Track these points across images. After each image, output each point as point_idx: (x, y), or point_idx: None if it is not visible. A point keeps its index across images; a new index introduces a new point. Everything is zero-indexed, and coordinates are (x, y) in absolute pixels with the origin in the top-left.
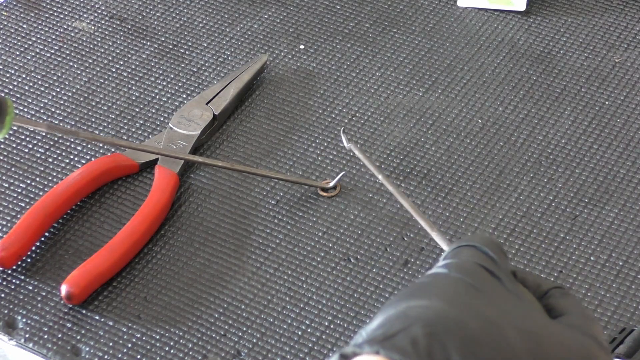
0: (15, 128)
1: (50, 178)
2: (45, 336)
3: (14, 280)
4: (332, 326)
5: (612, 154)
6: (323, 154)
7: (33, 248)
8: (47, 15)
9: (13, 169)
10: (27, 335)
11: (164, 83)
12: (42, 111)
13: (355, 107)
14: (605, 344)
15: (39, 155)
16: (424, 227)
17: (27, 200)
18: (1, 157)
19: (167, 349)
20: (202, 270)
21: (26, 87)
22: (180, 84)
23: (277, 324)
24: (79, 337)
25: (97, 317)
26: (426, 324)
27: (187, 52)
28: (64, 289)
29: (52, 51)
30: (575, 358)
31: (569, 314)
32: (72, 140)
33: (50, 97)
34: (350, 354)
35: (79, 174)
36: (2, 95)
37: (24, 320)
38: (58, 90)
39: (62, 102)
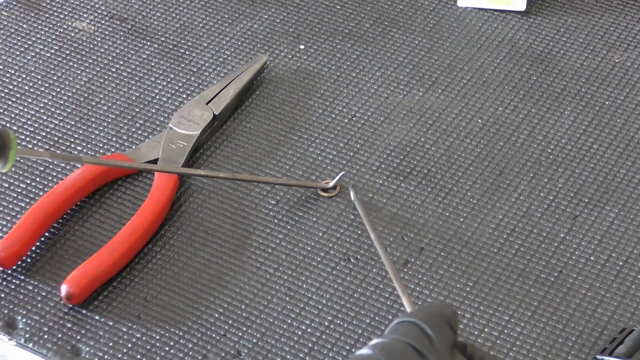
0: (15, 127)
1: (50, 178)
2: (45, 336)
3: (14, 280)
4: (332, 326)
5: (612, 154)
6: (323, 154)
7: (33, 248)
8: (47, 15)
9: (13, 169)
10: (27, 335)
11: (164, 83)
12: (42, 111)
13: (355, 107)
14: None
15: None
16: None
17: (27, 200)
18: None
19: (167, 349)
20: (202, 270)
21: (26, 87)
22: (180, 84)
23: (277, 324)
24: (79, 337)
25: (97, 317)
26: None
27: (187, 52)
28: (64, 289)
29: (52, 51)
30: None
31: None
32: (72, 139)
33: (50, 97)
34: None
35: (79, 174)
36: (6, 127)
37: (24, 320)
38: (58, 90)
39: (62, 102)
